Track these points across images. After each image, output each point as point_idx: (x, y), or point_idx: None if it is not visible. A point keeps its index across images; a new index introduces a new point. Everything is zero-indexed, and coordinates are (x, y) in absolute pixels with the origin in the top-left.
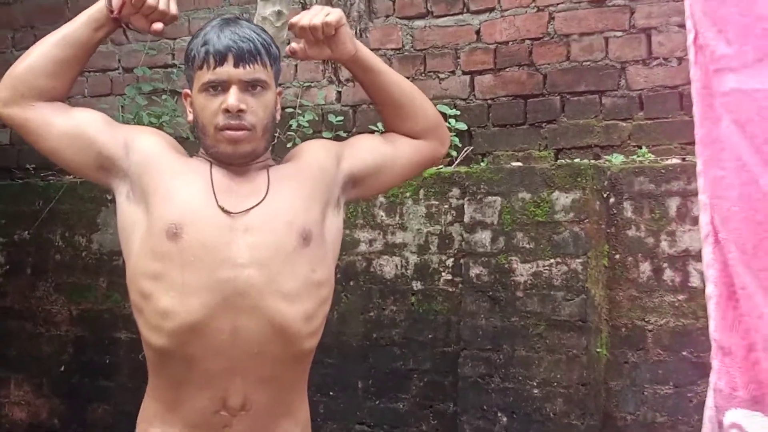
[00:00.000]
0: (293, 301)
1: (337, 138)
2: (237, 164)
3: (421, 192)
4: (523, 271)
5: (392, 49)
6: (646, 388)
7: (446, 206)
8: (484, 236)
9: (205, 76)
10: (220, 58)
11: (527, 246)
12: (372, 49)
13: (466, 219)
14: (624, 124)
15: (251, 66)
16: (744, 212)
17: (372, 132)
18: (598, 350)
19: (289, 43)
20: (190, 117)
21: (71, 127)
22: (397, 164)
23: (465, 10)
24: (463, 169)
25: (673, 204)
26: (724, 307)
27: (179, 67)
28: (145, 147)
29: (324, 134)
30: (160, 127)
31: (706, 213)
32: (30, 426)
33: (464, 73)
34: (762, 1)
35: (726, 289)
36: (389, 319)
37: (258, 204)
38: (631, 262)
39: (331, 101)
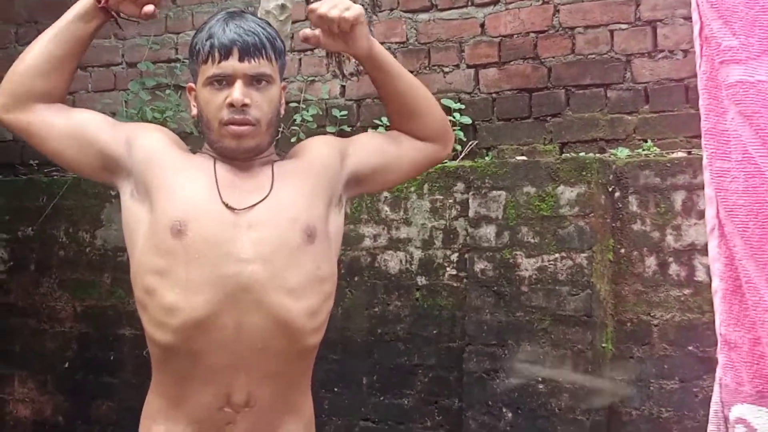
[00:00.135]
0: (298, 297)
1: (341, 133)
2: (241, 159)
3: (426, 187)
4: (527, 265)
5: (396, 43)
6: (651, 383)
7: (451, 201)
8: (488, 231)
9: (210, 70)
10: (225, 52)
11: (532, 240)
12: None
13: (471, 213)
14: (629, 118)
15: (256, 60)
16: (750, 205)
17: (376, 127)
18: (603, 345)
19: (292, 37)
20: (195, 111)
21: (72, 129)
22: (400, 165)
23: (469, 3)
24: (467, 163)
25: (679, 198)
26: (729, 301)
27: (183, 62)
28: (147, 144)
29: (328, 129)
30: (163, 123)
31: (711, 206)
32: (34, 423)
33: (469, 66)
34: None
35: (732, 283)
36: (394, 315)
37: (262, 200)
38: (636, 257)
39: (335, 96)
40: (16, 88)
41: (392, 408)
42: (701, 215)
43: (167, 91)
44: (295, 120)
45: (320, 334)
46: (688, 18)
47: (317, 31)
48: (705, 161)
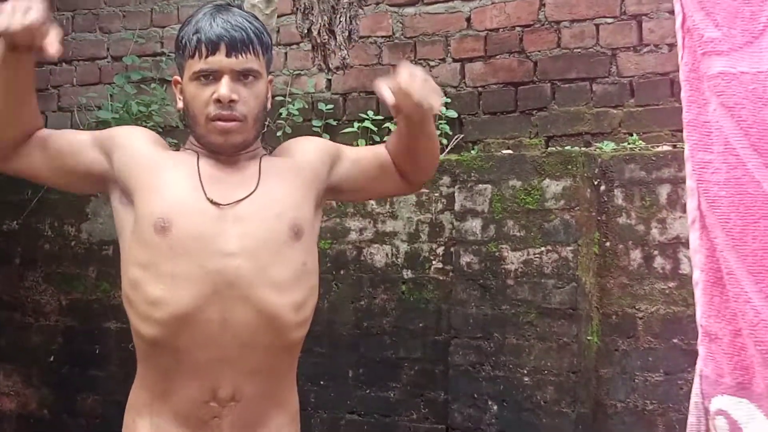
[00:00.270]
0: (284, 291)
1: (327, 126)
2: (227, 154)
3: None
4: (513, 259)
5: (382, 37)
6: (636, 376)
7: (437, 194)
8: (474, 224)
9: (197, 65)
10: (212, 48)
11: (518, 234)
12: (362, 37)
13: (457, 207)
14: (615, 111)
15: (243, 56)
16: (731, 196)
17: (362, 121)
18: (588, 338)
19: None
20: (180, 105)
21: (53, 161)
22: (374, 189)
23: None
24: (453, 157)
25: (664, 191)
26: (710, 293)
27: (168, 56)
28: (126, 151)
29: (314, 122)
30: (149, 116)
31: (693, 198)
32: (19, 416)
33: (455, 60)
34: None
35: (713, 275)
36: (380, 308)
37: (248, 195)
38: (621, 250)
39: (321, 89)
40: None
41: (378, 401)
42: (686, 209)
43: (153, 85)
44: (281, 114)
45: (306, 328)
46: (674, 12)
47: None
48: (687, 153)
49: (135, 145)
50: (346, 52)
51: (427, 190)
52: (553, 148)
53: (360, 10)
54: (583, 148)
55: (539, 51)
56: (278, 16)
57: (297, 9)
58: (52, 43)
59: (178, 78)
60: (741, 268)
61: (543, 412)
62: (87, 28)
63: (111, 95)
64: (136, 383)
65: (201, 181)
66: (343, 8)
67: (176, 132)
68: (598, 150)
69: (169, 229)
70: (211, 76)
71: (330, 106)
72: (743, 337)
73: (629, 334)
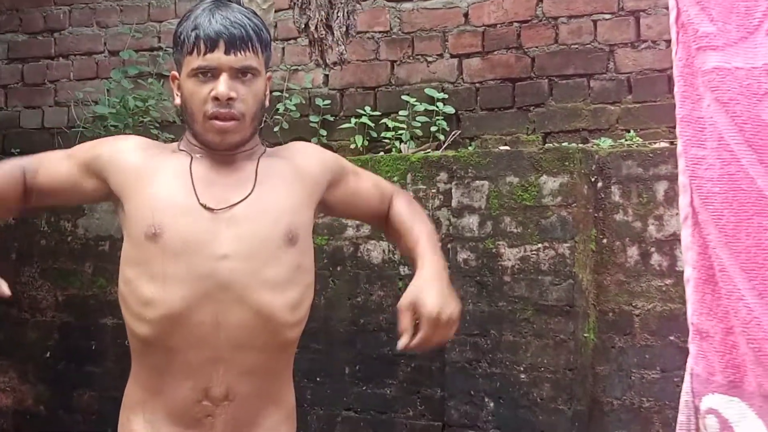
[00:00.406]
0: (280, 291)
1: (325, 122)
2: (223, 152)
3: (409, 176)
4: (510, 255)
5: (380, 32)
6: (633, 373)
7: (433, 190)
8: (471, 221)
9: (195, 61)
10: (211, 44)
11: (515, 230)
12: (359, 32)
13: (454, 203)
14: (612, 108)
15: (242, 53)
16: (725, 192)
17: (359, 116)
18: (585, 335)
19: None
20: (178, 100)
21: (57, 198)
22: (358, 219)
23: None
24: (450, 153)
25: (661, 188)
26: (702, 290)
27: (165, 50)
28: (115, 166)
29: (311, 118)
30: (146, 111)
31: (686, 194)
32: (15, 412)
33: (452, 56)
34: None
35: (705, 272)
36: (376, 305)
37: (244, 199)
38: (618, 247)
39: (318, 85)
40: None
41: (375, 397)
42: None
43: (150, 80)
44: (278, 109)
45: (301, 326)
46: None
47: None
48: (680, 149)
49: (122, 158)
50: (343, 47)
51: (424, 186)
52: (551, 145)
53: (357, 5)
54: (580, 145)
55: (537, 47)
56: (276, 11)
57: (294, 4)
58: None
59: (176, 73)
60: (734, 265)
61: (539, 409)
62: (84, 23)
63: (108, 90)
64: (131, 380)
65: (194, 186)
66: (341, 3)
67: (173, 127)
68: (595, 146)
69: (161, 235)
70: (209, 73)
71: (327, 102)
72: (735, 335)
73: (626, 331)
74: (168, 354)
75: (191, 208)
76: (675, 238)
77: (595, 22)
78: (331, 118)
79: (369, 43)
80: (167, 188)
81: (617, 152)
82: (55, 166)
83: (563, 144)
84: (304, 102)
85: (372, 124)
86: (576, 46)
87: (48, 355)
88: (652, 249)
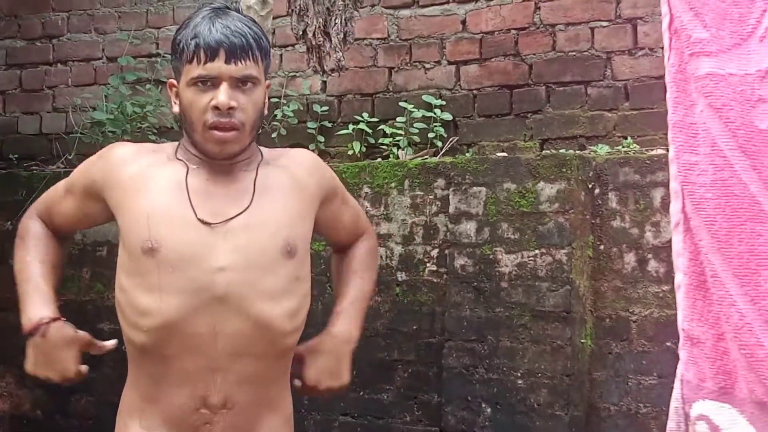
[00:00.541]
0: (277, 301)
1: (322, 128)
2: (221, 162)
3: (406, 182)
4: (507, 261)
5: (377, 39)
6: (630, 379)
7: (431, 197)
8: (469, 227)
9: (195, 71)
10: (212, 54)
11: (512, 237)
12: (357, 39)
13: (451, 209)
14: (609, 115)
15: (243, 62)
16: (718, 198)
17: (357, 123)
18: (582, 341)
19: (274, 33)
20: (176, 108)
21: (80, 224)
22: (326, 238)
23: (451, 0)
24: (448, 159)
25: (658, 195)
26: (693, 297)
27: (164, 57)
28: (109, 182)
29: (309, 124)
30: (144, 117)
31: (677, 200)
32: (13, 417)
33: (450, 63)
34: None
35: (696, 278)
36: (374, 310)
37: (241, 213)
38: (615, 253)
39: (316, 91)
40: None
41: (372, 403)
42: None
43: (148, 86)
44: (275, 115)
45: (299, 333)
46: None
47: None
48: (672, 154)
49: (116, 176)
50: (341, 54)
51: (421, 193)
52: (548, 151)
53: (355, 12)
54: (577, 151)
55: (534, 54)
56: (273, 18)
57: (292, 11)
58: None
59: (174, 81)
60: (726, 270)
61: (536, 414)
62: (82, 29)
63: (106, 96)
64: (127, 387)
65: (190, 199)
66: (339, 10)
67: (171, 133)
68: (592, 153)
69: (158, 249)
70: (209, 82)
71: (325, 108)
72: (726, 341)
73: (623, 337)
74: (165, 362)
75: (188, 222)
76: (672, 245)
77: (592, 29)
78: (329, 125)
79: (367, 49)
80: (163, 201)
81: (614, 159)
82: (60, 205)
83: (560, 151)
84: (301, 108)
85: (369, 131)
86: (573, 53)
87: None
88: (649, 255)
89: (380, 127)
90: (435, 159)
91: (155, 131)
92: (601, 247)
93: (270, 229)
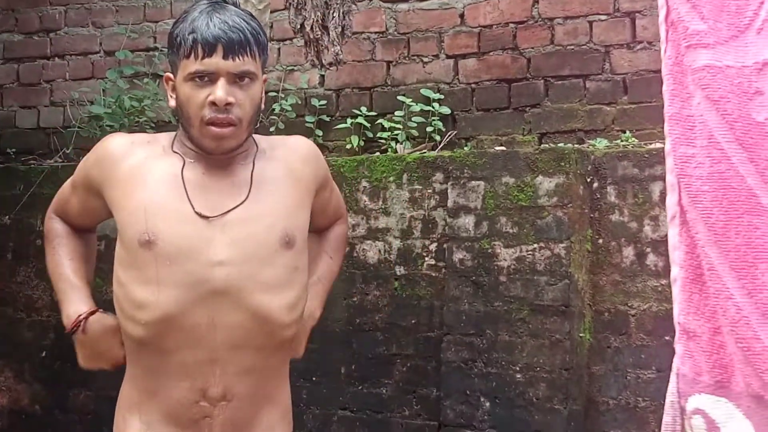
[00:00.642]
0: (276, 293)
1: (320, 122)
2: (217, 156)
3: (405, 176)
4: (506, 255)
5: (376, 33)
6: (628, 373)
7: (429, 191)
8: (467, 221)
9: (192, 66)
10: (209, 49)
11: (510, 231)
12: (355, 33)
13: (450, 203)
14: (608, 109)
15: (240, 58)
16: (715, 191)
17: (355, 117)
18: (581, 335)
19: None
20: (172, 103)
21: (93, 218)
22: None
23: None
24: (446, 153)
25: (657, 188)
26: (690, 290)
27: (161, 51)
28: (106, 178)
29: (307, 118)
30: (142, 111)
31: (673, 193)
32: (11, 412)
33: (448, 56)
34: None
35: (693, 271)
36: (372, 305)
37: (238, 205)
38: (614, 247)
39: (314, 85)
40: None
41: (370, 397)
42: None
43: (145, 80)
44: (274, 110)
45: (298, 325)
46: None
47: None
48: (668, 147)
49: (112, 171)
50: (339, 47)
51: (420, 187)
52: (546, 145)
53: (353, 6)
54: (576, 145)
55: (533, 48)
56: (271, 12)
57: (290, 4)
58: None
59: (170, 75)
60: (723, 263)
61: (535, 408)
62: (80, 23)
63: (104, 90)
64: (126, 381)
65: (187, 193)
66: (336, 4)
67: (169, 127)
68: (591, 147)
69: (155, 242)
70: (206, 78)
71: (323, 102)
72: (723, 335)
73: (621, 331)
74: (163, 355)
75: (186, 215)
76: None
77: (590, 23)
78: (327, 119)
79: (365, 43)
80: (160, 194)
81: (613, 153)
82: (70, 202)
83: (559, 144)
84: (299, 102)
85: (368, 125)
86: (572, 47)
87: (44, 354)
88: (648, 249)
89: (378, 121)
90: (433, 153)
91: (153, 125)
92: (600, 241)
93: (268, 221)
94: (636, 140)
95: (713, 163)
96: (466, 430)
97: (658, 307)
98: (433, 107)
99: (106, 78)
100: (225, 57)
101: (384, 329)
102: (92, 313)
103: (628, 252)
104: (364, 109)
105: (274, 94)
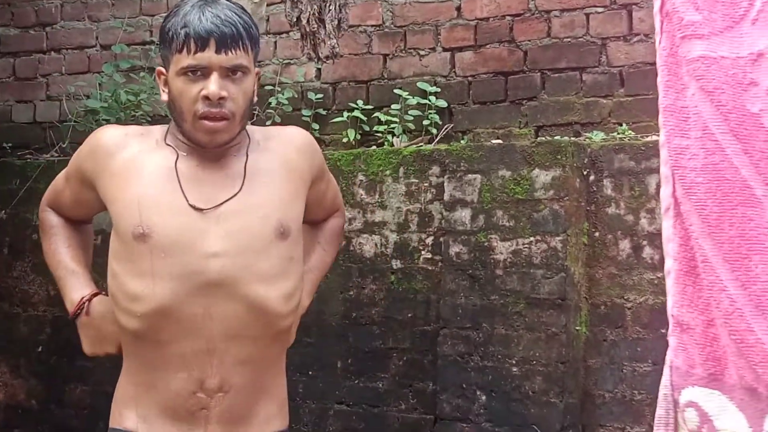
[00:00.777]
0: (272, 284)
1: (317, 116)
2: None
3: (401, 170)
4: (502, 249)
5: (372, 26)
6: (624, 366)
7: (426, 184)
8: (463, 214)
9: (185, 60)
10: (202, 44)
11: (507, 224)
12: (351, 26)
13: (446, 197)
14: (605, 101)
15: (233, 52)
16: (709, 182)
17: (351, 110)
18: (577, 328)
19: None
20: (165, 97)
21: (86, 210)
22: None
23: None
24: (443, 146)
25: (653, 181)
26: (683, 282)
27: (158, 45)
28: (100, 171)
29: (303, 111)
30: (138, 105)
31: (668, 185)
32: (7, 407)
33: (445, 49)
34: None
35: (686, 263)
36: (369, 298)
37: (232, 197)
38: (610, 240)
39: (310, 78)
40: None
41: (367, 391)
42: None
43: (141, 74)
44: (270, 103)
45: (295, 315)
46: None
47: None
48: (662, 139)
49: (105, 165)
50: (335, 41)
51: (416, 180)
52: (543, 138)
53: None
54: (572, 138)
55: (529, 40)
56: (267, 5)
57: None
58: None
59: (162, 69)
60: (717, 255)
61: (531, 402)
62: (76, 17)
63: (100, 84)
64: (122, 375)
65: (181, 185)
66: None
67: (165, 121)
68: (587, 140)
69: (149, 235)
70: (199, 72)
71: (319, 96)
72: (716, 327)
73: (618, 324)
74: (159, 347)
75: (180, 208)
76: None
77: (587, 15)
78: (324, 112)
79: (361, 36)
80: (154, 187)
81: (609, 146)
82: (63, 194)
83: (555, 137)
84: (296, 96)
85: (364, 118)
86: (568, 39)
87: (40, 349)
88: (644, 242)
89: (375, 115)
90: (430, 146)
91: (149, 119)
92: (596, 234)
93: (262, 212)
94: (633, 133)
95: (707, 155)
96: (462, 423)
97: (654, 300)
98: (429, 100)
99: (103, 72)
100: (218, 51)
101: (380, 323)
102: (95, 295)
103: (625, 245)
104: (360, 102)
105: (270, 87)
